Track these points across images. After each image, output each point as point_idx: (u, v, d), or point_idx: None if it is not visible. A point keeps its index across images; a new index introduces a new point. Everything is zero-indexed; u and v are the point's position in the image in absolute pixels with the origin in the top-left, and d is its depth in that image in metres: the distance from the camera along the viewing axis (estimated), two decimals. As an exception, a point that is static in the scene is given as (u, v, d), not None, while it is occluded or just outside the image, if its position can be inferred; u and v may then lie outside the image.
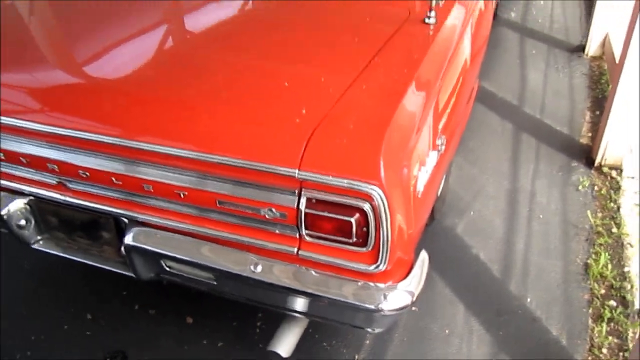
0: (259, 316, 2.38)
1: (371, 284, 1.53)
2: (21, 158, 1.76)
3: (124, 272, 1.87)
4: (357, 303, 1.51)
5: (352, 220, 1.42)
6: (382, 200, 1.37)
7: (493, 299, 2.46)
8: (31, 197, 1.88)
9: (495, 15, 5.27)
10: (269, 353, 1.76)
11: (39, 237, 1.97)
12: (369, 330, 1.63)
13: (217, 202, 1.55)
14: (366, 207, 1.40)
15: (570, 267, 2.62)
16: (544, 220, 2.91)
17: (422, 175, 1.58)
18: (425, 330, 2.32)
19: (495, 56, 4.63)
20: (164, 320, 2.39)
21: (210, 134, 1.53)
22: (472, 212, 2.97)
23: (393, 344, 2.25)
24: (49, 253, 1.98)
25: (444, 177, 2.60)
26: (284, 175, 1.42)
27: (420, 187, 1.58)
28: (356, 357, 2.20)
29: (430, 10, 1.99)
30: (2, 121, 1.71)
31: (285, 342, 1.77)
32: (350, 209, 1.42)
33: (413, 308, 2.40)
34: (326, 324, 2.25)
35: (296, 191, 1.45)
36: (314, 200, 1.44)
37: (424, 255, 1.68)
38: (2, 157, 1.80)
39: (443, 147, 1.80)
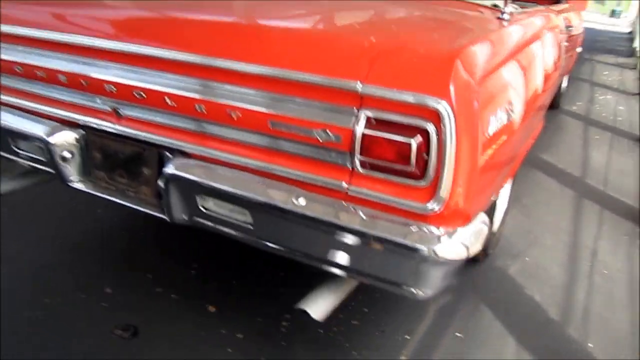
0: (286, 317, 2.18)
1: (424, 225, 1.36)
2: (82, 81, 1.76)
3: (157, 214, 1.76)
4: (407, 243, 1.34)
5: (413, 141, 1.30)
6: (449, 119, 1.25)
7: (548, 340, 2.17)
8: (81, 130, 1.86)
9: (557, 104, 5.27)
10: (297, 311, 1.56)
11: (79, 176, 1.92)
12: (415, 292, 1.42)
13: (270, 124, 1.47)
14: (430, 128, 1.29)
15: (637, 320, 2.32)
16: (609, 276, 2.64)
17: (492, 122, 1.47)
18: (471, 356, 2.05)
19: (558, 138, 4.55)
20: (185, 305, 2.22)
21: (276, 49, 1.49)
22: (527, 258, 2.73)
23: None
24: (86, 193, 1.91)
25: (503, 212, 2.44)
26: (346, 90, 1.34)
27: (490, 132, 1.45)
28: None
29: (505, 5, 1.98)
30: (68, 40, 1.74)
31: (318, 303, 1.58)
32: (412, 130, 1.30)
33: (457, 334, 2.15)
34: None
35: (355, 109, 1.36)
36: (373, 120, 1.34)
37: (483, 217, 1.51)
38: (63, 81, 1.81)
39: (512, 116, 1.68)
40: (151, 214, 1.79)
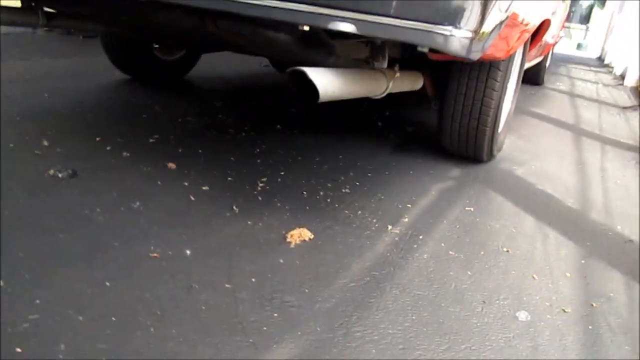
0: (262, 180, 1.80)
1: None
2: None
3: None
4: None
5: None
6: None
7: (570, 222, 1.84)
8: None
9: (542, 80, 5.15)
10: (288, 75, 1.20)
11: None
12: (448, 33, 1.08)
13: None
14: None
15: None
16: (622, 185, 2.36)
17: None
18: (484, 225, 1.70)
19: (548, 102, 4.37)
20: (137, 161, 1.81)
21: None
22: (532, 166, 2.43)
23: (442, 227, 1.63)
24: None
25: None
26: None
27: None
28: (389, 228, 1.58)
29: None
30: None
31: (320, 75, 1.22)
32: None
33: (467, 208, 1.81)
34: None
35: None
36: None
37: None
38: None
39: None
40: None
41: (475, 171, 2.22)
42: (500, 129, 2.34)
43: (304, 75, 1.17)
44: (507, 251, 1.54)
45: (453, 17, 1.08)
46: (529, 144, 2.86)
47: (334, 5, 1.16)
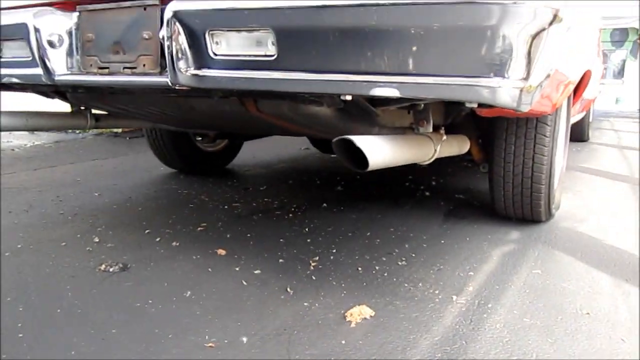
0: (314, 259, 1.74)
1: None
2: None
3: (158, 81, 1.44)
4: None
5: None
6: None
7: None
8: (74, 12, 1.61)
9: (587, 137, 5.05)
10: (334, 145, 1.17)
11: (67, 67, 1.62)
12: (495, 86, 1.04)
13: None
14: None
15: None
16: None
17: None
18: (556, 287, 1.57)
19: (597, 156, 4.23)
20: (187, 249, 1.79)
21: None
22: (595, 221, 2.29)
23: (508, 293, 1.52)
24: (75, 83, 1.61)
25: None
26: None
27: None
28: (454, 298, 1.48)
29: None
30: None
31: (368, 142, 1.19)
32: None
33: (534, 271, 1.69)
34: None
35: None
36: None
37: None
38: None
39: None
40: (152, 85, 1.47)
41: (536, 232, 2.10)
42: (555, 186, 2.24)
43: (351, 143, 1.15)
44: (588, 314, 1.40)
45: (499, 68, 1.05)
46: (586, 199, 2.72)
47: (375, 71, 1.15)
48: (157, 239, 1.89)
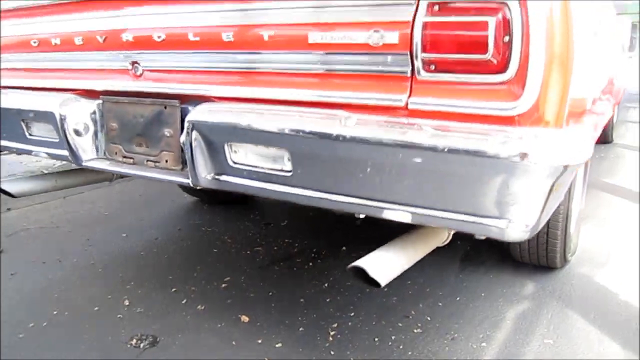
0: (333, 325, 1.82)
1: (510, 128, 1.06)
2: (98, 37, 1.58)
3: (180, 180, 1.50)
4: (490, 150, 1.03)
5: (490, 20, 1.03)
6: None
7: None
8: (97, 100, 1.67)
9: (611, 138, 4.98)
10: (349, 271, 1.23)
11: (94, 153, 1.70)
12: (504, 227, 1.08)
13: (309, 38, 1.23)
14: (511, 2, 1.02)
15: None
16: None
17: (580, 16, 1.19)
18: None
19: (620, 166, 4.18)
20: (212, 315, 1.88)
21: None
22: (613, 266, 2.31)
23: None
24: (102, 170, 1.69)
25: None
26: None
27: (579, 25, 1.17)
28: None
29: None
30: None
31: (379, 263, 1.24)
32: (487, 9, 1.04)
33: (545, 340, 1.74)
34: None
35: (414, -3, 1.11)
36: (436, 6, 1.09)
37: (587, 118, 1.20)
38: (79, 43, 1.64)
39: (598, 36, 1.41)
40: (173, 182, 1.54)
41: (551, 284, 2.14)
42: (572, 232, 2.26)
43: (363, 270, 1.20)
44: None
45: (510, 213, 1.09)
46: (606, 231, 2.73)
47: (388, 200, 1.20)
48: (184, 301, 1.98)
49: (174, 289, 2.08)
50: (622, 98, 4.71)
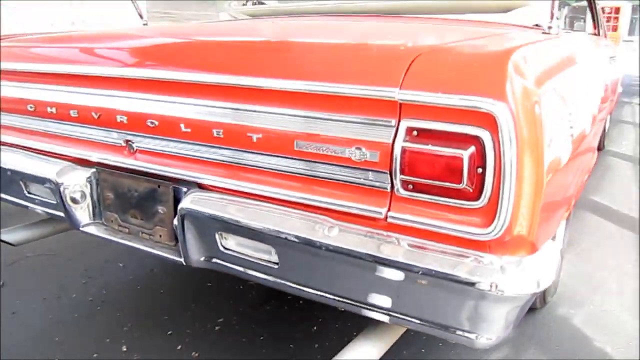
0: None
1: (482, 255, 1.13)
2: (93, 113, 1.63)
3: (173, 258, 1.57)
4: (463, 276, 1.10)
5: (464, 153, 1.09)
6: (507, 123, 1.05)
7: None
8: (93, 169, 1.73)
9: (602, 145, 5.02)
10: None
11: (90, 219, 1.76)
12: (473, 339, 1.17)
13: (295, 145, 1.29)
14: (484, 136, 1.08)
15: None
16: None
17: (554, 132, 1.25)
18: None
19: (609, 179, 4.26)
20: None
21: (295, 63, 1.34)
22: (591, 306, 2.41)
23: None
24: (97, 237, 1.75)
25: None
26: (381, 98, 1.16)
27: (553, 144, 1.23)
28: None
29: (551, 20, 1.80)
30: (78, 71, 1.64)
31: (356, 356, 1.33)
32: (462, 139, 1.10)
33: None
34: None
35: (394, 121, 1.17)
36: (415, 132, 1.15)
37: (554, 244, 1.26)
38: (74, 116, 1.69)
39: (573, 131, 1.47)
40: (166, 258, 1.60)
41: (531, 326, 2.23)
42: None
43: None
44: None
45: (478, 328, 1.16)
46: (588, 264, 2.81)
47: (367, 303, 1.27)
48: (179, 347, 2.08)
49: (169, 332, 2.17)
50: (617, 99, 4.73)
